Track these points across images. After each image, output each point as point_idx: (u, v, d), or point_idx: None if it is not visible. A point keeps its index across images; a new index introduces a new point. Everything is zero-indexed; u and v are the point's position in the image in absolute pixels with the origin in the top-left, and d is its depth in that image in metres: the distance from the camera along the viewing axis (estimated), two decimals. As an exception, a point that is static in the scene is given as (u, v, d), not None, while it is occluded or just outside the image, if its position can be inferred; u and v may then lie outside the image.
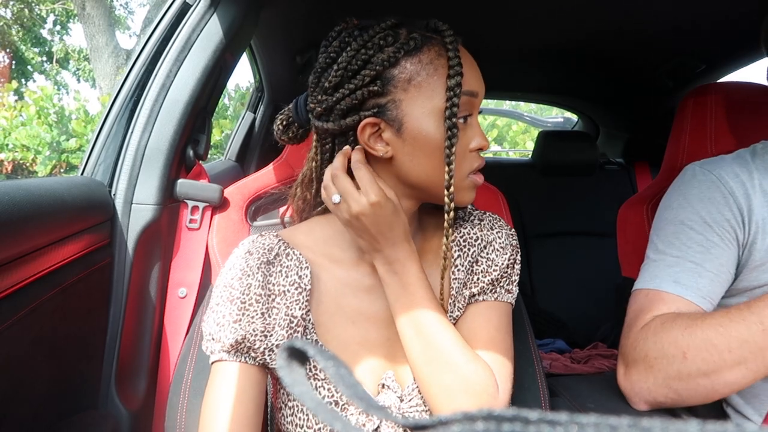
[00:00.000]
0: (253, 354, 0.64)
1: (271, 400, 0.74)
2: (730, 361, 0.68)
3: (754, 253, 0.78)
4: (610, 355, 1.64)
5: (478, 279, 0.72)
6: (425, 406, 0.66)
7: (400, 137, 0.62)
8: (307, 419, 0.66)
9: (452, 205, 0.63)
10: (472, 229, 0.75)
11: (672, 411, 0.79)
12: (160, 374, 0.96)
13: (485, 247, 0.74)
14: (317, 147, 0.69)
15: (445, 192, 0.62)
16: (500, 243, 0.74)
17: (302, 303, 0.66)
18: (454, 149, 0.61)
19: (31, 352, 0.71)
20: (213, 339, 0.65)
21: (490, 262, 0.72)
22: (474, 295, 0.71)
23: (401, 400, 0.67)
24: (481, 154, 0.67)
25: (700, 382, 0.70)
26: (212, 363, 0.66)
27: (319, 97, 0.64)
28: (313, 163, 0.70)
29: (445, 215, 0.64)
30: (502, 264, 0.73)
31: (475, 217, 0.77)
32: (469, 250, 0.74)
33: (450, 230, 0.64)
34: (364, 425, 0.65)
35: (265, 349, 0.64)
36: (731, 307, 0.71)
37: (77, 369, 0.84)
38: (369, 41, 0.61)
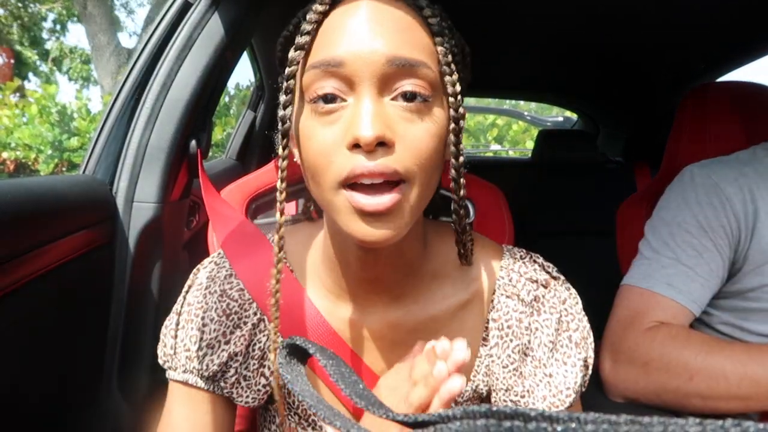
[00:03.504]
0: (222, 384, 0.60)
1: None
2: (734, 395, 0.69)
3: (749, 257, 0.78)
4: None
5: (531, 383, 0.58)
6: None
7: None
8: None
9: (281, 219, 0.51)
10: (519, 305, 0.59)
11: None
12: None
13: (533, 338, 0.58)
14: None
15: (277, 204, 0.51)
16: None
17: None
18: (285, 141, 0.49)
19: (33, 349, 0.71)
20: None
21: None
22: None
23: None
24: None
25: (695, 402, 0.71)
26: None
27: None
28: None
29: (275, 238, 0.52)
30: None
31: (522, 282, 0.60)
32: (512, 339, 0.58)
33: (280, 264, 0.52)
34: None
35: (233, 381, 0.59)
36: (752, 345, 0.73)
37: (79, 365, 0.84)
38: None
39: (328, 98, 0.46)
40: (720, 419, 0.18)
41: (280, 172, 0.49)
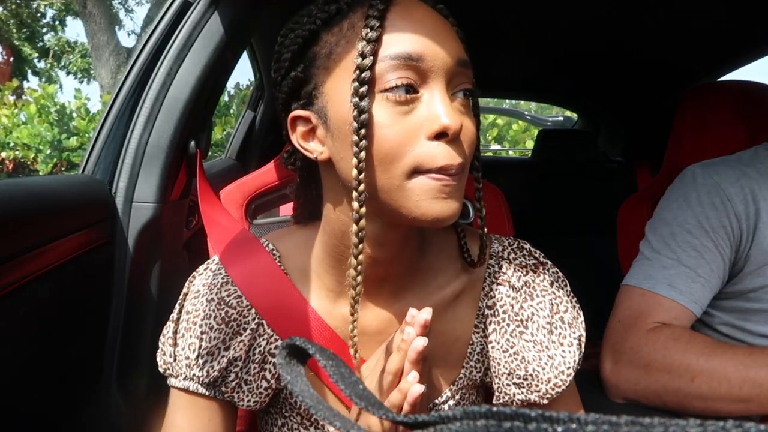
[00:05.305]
0: (223, 389, 0.60)
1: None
2: (736, 396, 0.69)
3: (750, 257, 0.78)
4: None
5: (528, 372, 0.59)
6: None
7: (329, 130, 0.51)
8: None
9: (362, 210, 0.48)
10: (511, 291, 0.61)
11: None
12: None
13: (526, 321, 0.60)
14: None
15: (354, 193, 0.48)
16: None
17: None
18: (362, 132, 0.46)
19: (32, 350, 0.71)
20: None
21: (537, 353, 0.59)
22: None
23: None
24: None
25: (696, 404, 0.71)
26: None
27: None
28: None
29: (353, 229, 0.49)
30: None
31: (513, 269, 0.62)
32: (509, 323, 0.60)
33: (360, 246, 0.49)
34: None
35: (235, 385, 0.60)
36: (755, 347, 0.73)
37: (78, 365, 0.84)
38: (297, 21, 0.53)
39: (408, 88, 0.47)
40: (721, 421, 0.18)
41: (359, 163, 0.47)
